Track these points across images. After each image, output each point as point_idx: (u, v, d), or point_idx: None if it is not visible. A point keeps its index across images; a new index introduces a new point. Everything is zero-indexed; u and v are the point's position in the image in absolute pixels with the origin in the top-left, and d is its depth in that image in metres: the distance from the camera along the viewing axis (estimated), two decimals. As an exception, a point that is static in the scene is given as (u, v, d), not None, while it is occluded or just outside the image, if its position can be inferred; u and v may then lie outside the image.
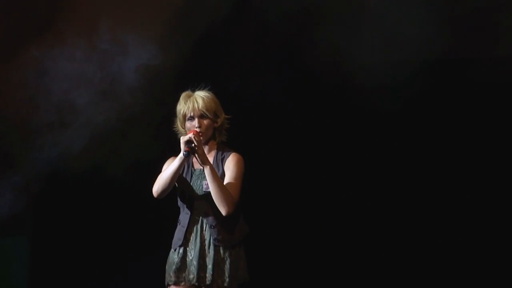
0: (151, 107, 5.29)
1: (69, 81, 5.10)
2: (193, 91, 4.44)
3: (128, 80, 5.12)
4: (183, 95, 4.46)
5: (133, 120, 5.29)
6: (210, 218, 4.34)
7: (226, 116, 4.46)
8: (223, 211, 4.22)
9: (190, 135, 4.25)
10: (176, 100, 4.42)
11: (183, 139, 4.25)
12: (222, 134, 4.47)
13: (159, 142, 5.06)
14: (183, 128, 4.45)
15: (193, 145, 4.22)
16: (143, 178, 4.72)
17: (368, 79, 5.49)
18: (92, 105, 5.13)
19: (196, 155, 4.24)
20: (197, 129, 4.32)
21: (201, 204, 4.37)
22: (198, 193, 4.37)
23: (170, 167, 4.31)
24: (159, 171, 4.42)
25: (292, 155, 5.82)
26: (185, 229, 4.39)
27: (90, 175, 5.47)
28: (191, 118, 4.38)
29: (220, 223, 4.33)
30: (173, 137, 4.47)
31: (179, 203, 4.47)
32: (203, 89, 4.42)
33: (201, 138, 4.30)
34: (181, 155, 4.26)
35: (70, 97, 5.13)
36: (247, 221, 4.46)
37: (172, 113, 4.47)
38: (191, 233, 4.37)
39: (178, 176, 4.30)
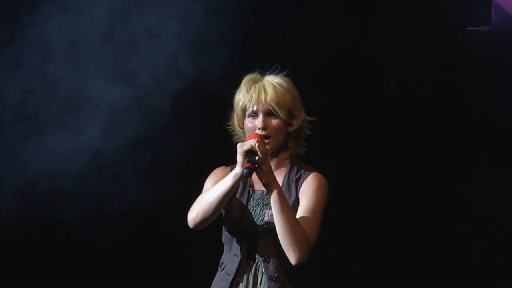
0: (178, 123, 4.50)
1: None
2: (263, 74, 3.45)
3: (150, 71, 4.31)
4: (247, 78, 3.44)
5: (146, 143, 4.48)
6: (272, 267, 3.32)
7: (308, 118, 3.46)
8: (292, 258, 3.23)
9: (252, 141, 3.25)
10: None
11: (241, 148, 3.23)
12: (298, 144, 3.47)
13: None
14: (240, 128, 3.45)
15: (256, 158, 3.22)
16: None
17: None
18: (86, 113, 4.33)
19: (260, 172, 3.24)
20: (260, 132, 3.35)
21: (260, 244, 3.36)
22: (256, 227, 3.36)
23: (219, 186, 3.29)
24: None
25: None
26: (231, 278, 3.36)
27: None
28: (254, 114, 3.39)
29: (286, 274, 3.33)
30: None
31: (224, 237, 3.43)
32: (277, 73, 3.45)
33: (267, 147, 3.32)
34: (237, 170, 3.25)
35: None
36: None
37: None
38: (239, 286, 3.37)
39: (229, 198, 3.32)
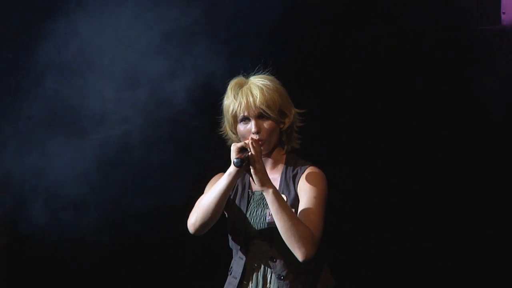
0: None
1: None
2: (247, 76, 3.41)
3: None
4: (232, 83, 3.39)
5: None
6: (279, 265, 3.27)
7: (298, 110, 3.40)
8: (299, 255, 3.16)
9: (246, 141, 3.23)
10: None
11: (235, 146, 3.20)
12: (292, 139, 3.41)
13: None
14: (233, 133, 3.41)
15: (249, 153, 3.19)
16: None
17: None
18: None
19: (252, 170, 3.18)
20: (255, 137, 3.30)
21: (265, 244, 3.30)
22: (259, 228, 3.31)
23: (215, 187, 3.25)
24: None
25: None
26: (237, 281, 3.32)
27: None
28: (246, 119, 3.34)
29: (294, 272, 3.27)
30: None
31: (230, 243, 3.39)
32: (261, 73, 3.40)
33: (262, 148, 3.30)
34: (231, 169, 3.21)
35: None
36: (333, 270, 3.40)
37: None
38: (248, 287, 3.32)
39: (226, 199, 3.27)
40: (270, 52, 3.56)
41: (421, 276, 4.69)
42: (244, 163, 3.16)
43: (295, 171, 3.34)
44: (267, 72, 3.36)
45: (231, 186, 3.22)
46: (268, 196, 3.15)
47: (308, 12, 4.49)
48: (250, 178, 3.33)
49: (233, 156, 3.16)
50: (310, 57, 4.43)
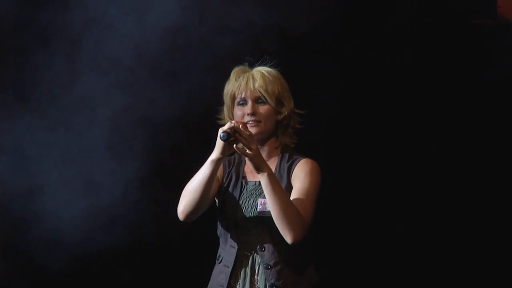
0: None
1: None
2: (252, 66, 3.43)
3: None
4: (236, 70, 3.42)
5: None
6: (267, 255, 3.28)
7: (297, 111, 3.42)
8: (288, 237, 3.19)
9: (234, 122, 3.23)
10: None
11: (221, 129, 3.22)
12: (287, 134, 3.42)
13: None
14: (230, 119, 3.41)
15: (234, 130, 3.19)
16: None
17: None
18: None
19: (248, 153, 3.18)
20: (250, 117, 3.32)
21: (255, 234, 3.32)
22: (250, 217, 3.32)
23: (198, 174, 3.28)
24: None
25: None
26: (230, 270, 3.32)
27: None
28: (243, 102, 3.36)
29: (282, 263, 3.28)
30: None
31: (219, 231, 3.40)
32: (265, 65, 3.43)
33: (257, 129, 3.32)
34: (213, 156, 3.23)
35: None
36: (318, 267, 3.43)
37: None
38: (238, 277, 3.33)
39: (211, 186, 3.28)
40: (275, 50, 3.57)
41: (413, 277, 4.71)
42: (231, 139, 3.15)
43: (290, 162, 3.35)
44: (271, 65, 3.39)
45: (214, 172, 3.23)
46: (264, 179, 3.17)
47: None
48: (245, 169, 3.36)
49: (220, 131, 3.16)
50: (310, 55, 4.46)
